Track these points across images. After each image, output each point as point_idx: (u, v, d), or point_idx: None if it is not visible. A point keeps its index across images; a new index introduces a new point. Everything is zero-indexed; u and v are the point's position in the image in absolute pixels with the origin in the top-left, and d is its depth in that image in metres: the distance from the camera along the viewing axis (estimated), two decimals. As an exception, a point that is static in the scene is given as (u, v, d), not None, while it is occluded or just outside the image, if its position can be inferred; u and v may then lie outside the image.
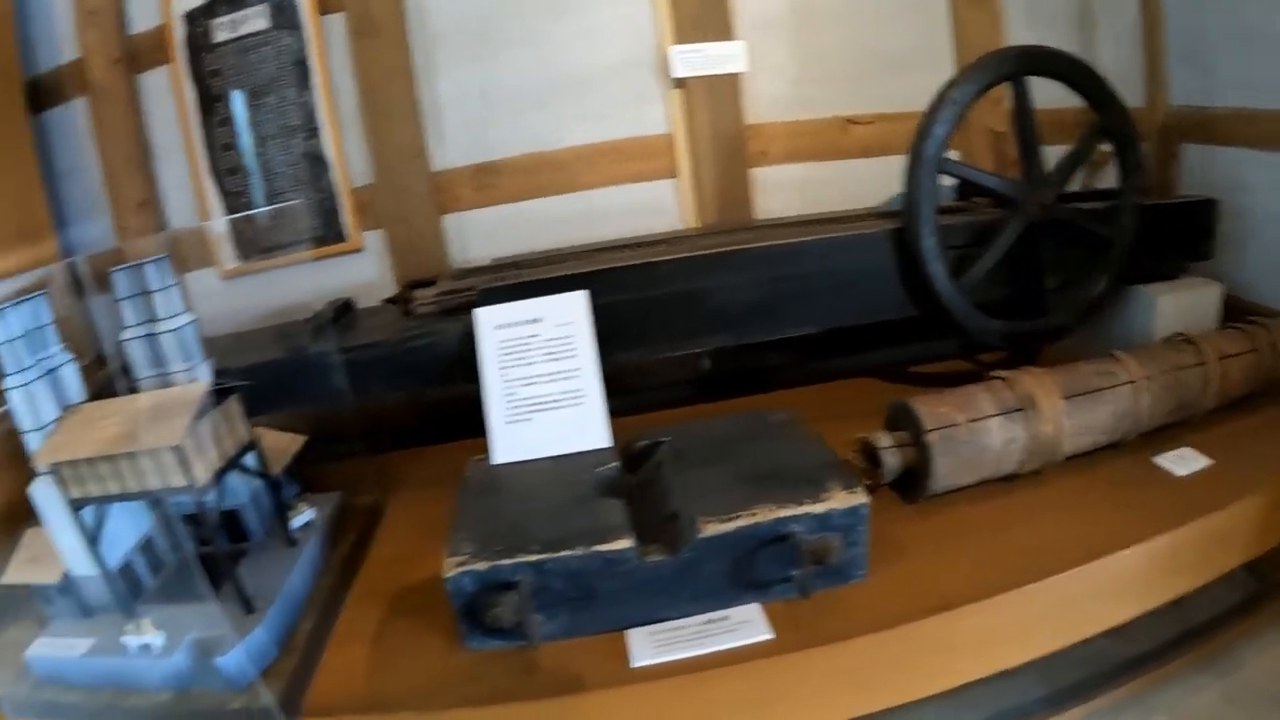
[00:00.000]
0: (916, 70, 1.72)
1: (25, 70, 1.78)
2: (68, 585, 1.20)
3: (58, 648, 1.18)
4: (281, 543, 1.28)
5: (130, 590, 1.19)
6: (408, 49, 1.63)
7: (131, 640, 1.10)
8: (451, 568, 1.02)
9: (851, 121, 1.78)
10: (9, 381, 1.12)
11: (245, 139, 1.73)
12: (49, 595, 1.23)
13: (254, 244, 1.77)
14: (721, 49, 1.67)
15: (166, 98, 1.76)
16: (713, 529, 1.03)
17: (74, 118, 1.83)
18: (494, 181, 1.68)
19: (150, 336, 1.19)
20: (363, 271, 1.75)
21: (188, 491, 1.05)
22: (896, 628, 1.03)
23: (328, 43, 1.67)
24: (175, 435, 1.02)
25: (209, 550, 1.16)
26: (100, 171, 1.82)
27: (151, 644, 1.09)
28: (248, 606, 1.12)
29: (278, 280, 1.76)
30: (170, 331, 1.19)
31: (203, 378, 1.21)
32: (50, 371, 1.16)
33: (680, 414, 1.57)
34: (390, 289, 1.73)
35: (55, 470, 1.11)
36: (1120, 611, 1.17)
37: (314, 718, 1.04)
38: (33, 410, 1.13)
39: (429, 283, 1.56)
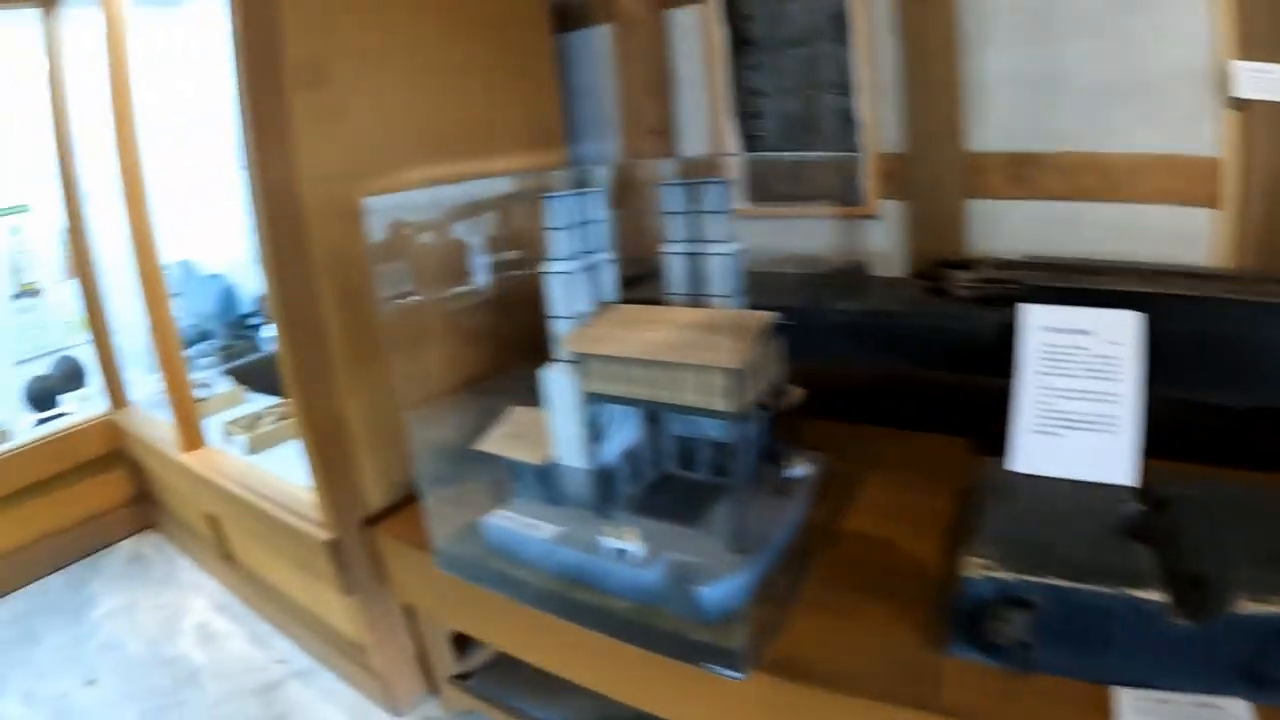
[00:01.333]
0: None
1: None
2: (548, 470, 1.23)
3: (519, 524, 1.21)
4: (770, 490, 1.24)
5: (607, 493, 1.20)
6: (957, 19, 1.53)
7: (609, 542, 1.10)
8: (974, 568, 0.94)
9: None
10: (555, 265, 1.15)
11: (773, 86, 1.72)
12: (523, 474, 1.28)
13: (767, 189, 1.76)
14: (1292, 72, 1.41)
15: (695, 35, 1.79)
16: (1251, 608, 0.87)
17: (596, 42, 1.92)
18: (1029, 174, 1.53)
19: (694, 255, 1.19)
20: (873, 239, 1.67)
21: (726, 417, 1.02)
22: None
23: (872, 1, 1.61)
24: (736, 358, 0.98)
25: (694, 476, 1.14)
26: (617, 95, 1.90)
27: (630, 551, 1.09)
28: (739, 544, 1.08)
29: (782, 229, 1.74)
30: (717, 255, 1.17)
31: (736, 308, 1.18)
32: (592, 266, 1.19)
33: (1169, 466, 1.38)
34: (898, 262, 1.65)
35: (582, 361, 1.13)
36: None
37: (770, 673, 0.99)
38: (569, 298, 1.16)
39: (960, 265, 1.47)
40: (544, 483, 1.24)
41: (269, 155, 1.35)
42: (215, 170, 2.80)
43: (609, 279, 1.21)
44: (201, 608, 2.25)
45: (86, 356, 2.71)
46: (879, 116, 1.62)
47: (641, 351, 1.06)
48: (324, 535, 1.51)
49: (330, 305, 1.45)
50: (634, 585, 1.09)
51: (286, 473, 1.81)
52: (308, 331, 1.43)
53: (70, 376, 2.74)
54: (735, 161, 1.75)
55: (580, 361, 1.13)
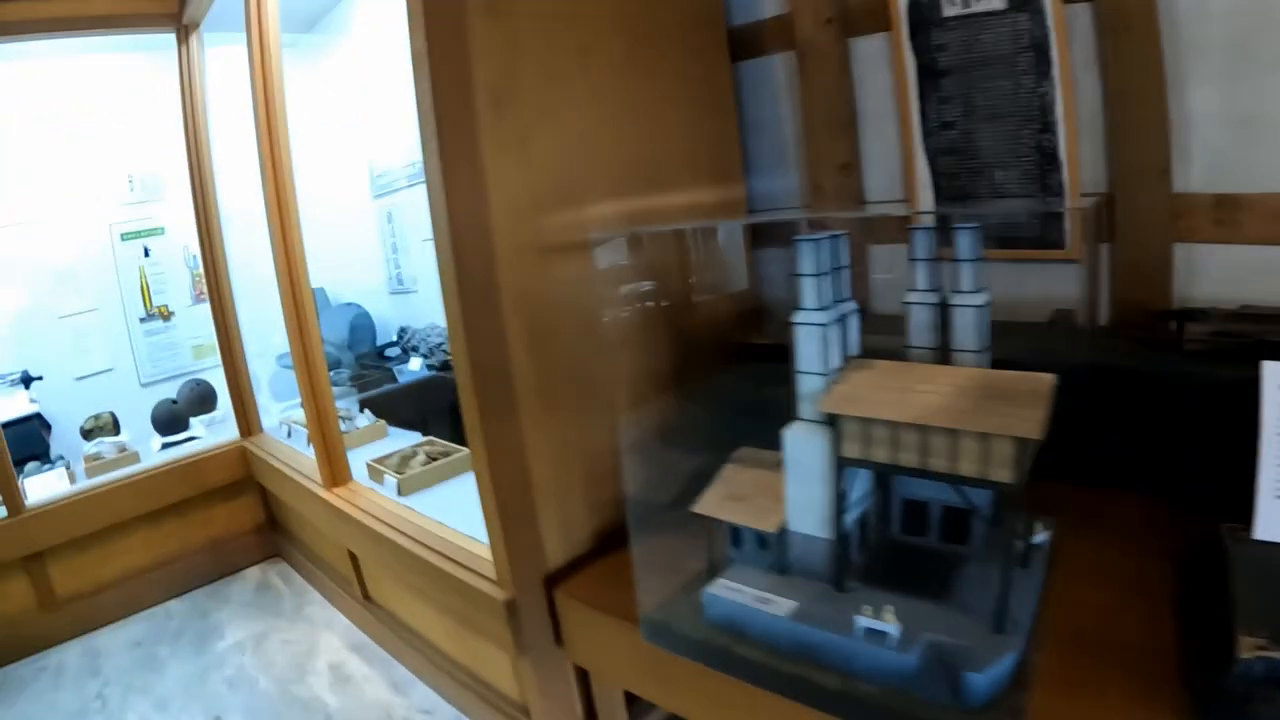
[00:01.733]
0: None
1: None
2: (776, 537, 1.14)
3: (750, 598, 1.12)
4: (1005, 559, 1.04)
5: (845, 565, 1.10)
6: (1160, 53, 1.42)
7: (864, 621, 1.00)
8: (1249, 649, 0.87)
9: None
10: (806, 315, 1.07)
11: (965, 120, 1.61)
12: (743, 539, 1.19)
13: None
14: None
15: (881, 66, 1.69)
16: None
17: (770, 72, 1.84)
18: (1234, 217, 1.41)
19: (939, 305, 1.09)
20: (1072, 284, 1.57)
21: (1006, 488, 0.92)
22: None
23: (1071, 33, 1.50)
24: (1034, 427, 0.88)
25: (925, 544, 1.09)
26: (797, 129, 1.81)
27: (887, 632, 0.99)
28: (1002, 624, 0.98)
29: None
30: (967, 306, 1.07)
31: (984, 364, 1.08)
32: (842, 318, 1.09)
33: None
34: (1101, 309, 1.55)
35: (837, 423, 1.03)
36: None
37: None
38: (820, 352, 1.07)
39: (1186, 315, 1.36)
40: (769, 550, 1.15)
41: (456, 184, 1.28)
42: (350, 201, 2.80)
43: (855, 331, 1.12)
44: (334, 646, 2.19)
45: (217, 381, 2.70)
46: (1079, 154, 1.51)
47: (913, 415, 0.96)
48: (501, 594, 1.43)
49: (519, 347, 1.38)
50: (887, 668, 0.99)
51: (444, 518, 1.75)
52: (494, 375, 1.36)
53: (200, 401, 2.73)
54: (926, 201, 1.65)
55: (834, 423, 1.03)
